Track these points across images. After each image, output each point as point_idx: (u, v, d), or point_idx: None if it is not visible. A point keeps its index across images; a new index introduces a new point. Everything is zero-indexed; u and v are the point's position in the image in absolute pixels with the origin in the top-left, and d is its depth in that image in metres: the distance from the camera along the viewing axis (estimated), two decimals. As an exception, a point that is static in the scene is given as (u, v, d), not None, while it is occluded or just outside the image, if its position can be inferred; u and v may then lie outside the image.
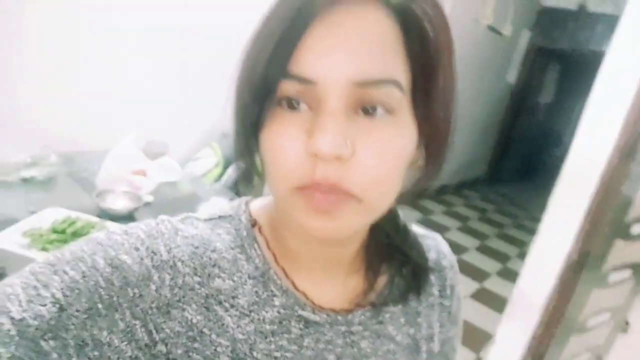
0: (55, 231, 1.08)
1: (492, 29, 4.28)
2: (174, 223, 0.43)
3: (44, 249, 1.02)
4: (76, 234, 1.09)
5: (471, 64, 4.34)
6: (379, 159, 0.36)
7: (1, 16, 1.42)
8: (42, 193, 1.37)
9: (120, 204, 1.35)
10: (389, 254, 0.50)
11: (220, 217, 0.47)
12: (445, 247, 0.57)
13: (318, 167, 0.34)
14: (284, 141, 0.35)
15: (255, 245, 0.45)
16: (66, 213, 1.19)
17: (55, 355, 0.33)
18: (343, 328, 0.46)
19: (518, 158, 6.22)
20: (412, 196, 0.43)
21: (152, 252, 0.39)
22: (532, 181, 6.28)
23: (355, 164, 0.35)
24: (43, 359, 0.33)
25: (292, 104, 0.35)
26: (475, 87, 4.65)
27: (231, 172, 1.96)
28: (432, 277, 0.54)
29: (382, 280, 0.50)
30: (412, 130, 0.38)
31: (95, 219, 1.20)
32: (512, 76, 5.47)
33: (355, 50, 0.34)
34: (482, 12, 4.04)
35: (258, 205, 0.48)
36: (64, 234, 1.08)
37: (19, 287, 0.35)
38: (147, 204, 1.44)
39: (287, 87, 0.34)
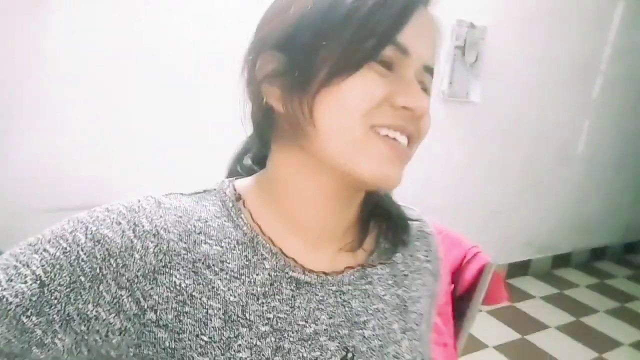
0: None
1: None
2: (157, 197, 0.45)
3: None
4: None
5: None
6: (428, 123, 0.46)
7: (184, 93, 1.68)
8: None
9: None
10: (376, 218, 0.54)
11: (205, 191, 0.49)
12: (424, 216, 0.62)
13: (397, 115, 0.42)
14: (371, 87, 0.41)
15: (242, 215, 0.47)
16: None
17: (39, 332, 0.34)
18: (334, 288, 0.48)
19: None
20: None
21: (134, 224, 0.40)
22: None
23: (422, 121, 0.45)
24: (27, 336, 0.34)
25: (385, 63, 0.42)
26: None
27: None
28: (418, 243, 0.58)
29: (369, 243, 0.53)
30: None
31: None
32: None
33: (432, 43, 0.46)
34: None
35: (242, 183, 0.50)
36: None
37: None
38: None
39: (388, 51, 0.42)
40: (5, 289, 0.34)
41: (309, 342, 0.45)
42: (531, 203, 3.16)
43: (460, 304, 1.50)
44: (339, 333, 0.47)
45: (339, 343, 0.46)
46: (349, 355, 0.47)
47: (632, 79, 3.36)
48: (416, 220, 0.60)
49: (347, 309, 0.48)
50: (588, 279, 3.43)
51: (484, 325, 2.54)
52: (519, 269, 3.28)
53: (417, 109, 0.42)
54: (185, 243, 0.42)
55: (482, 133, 2.71)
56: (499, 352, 2.34)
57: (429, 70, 0.45)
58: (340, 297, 0.48)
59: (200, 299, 0.41)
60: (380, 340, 0.49)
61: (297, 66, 0.42)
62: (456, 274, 1.50)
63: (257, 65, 0.45)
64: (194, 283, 0.41)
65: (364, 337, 0.48)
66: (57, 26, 1.51)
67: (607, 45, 3.11)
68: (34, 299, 0.35)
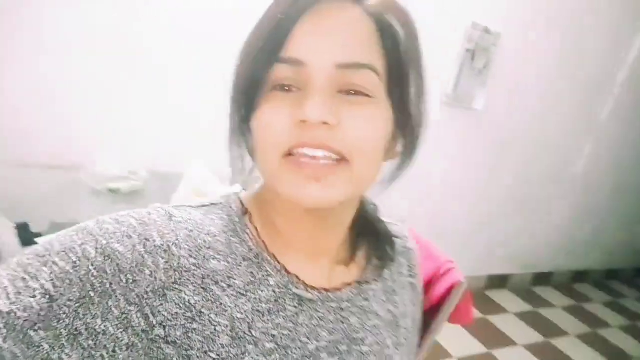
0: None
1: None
2: (167, 209, 0.44)
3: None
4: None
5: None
6: (361, 128, 0.40)
7: (122, 41, 1.61)
8: (124, 205, 1.45)
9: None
10: (365, 234, 0.55)
11: (212, 204, 0.49)
12: (407, 232, 0.63)
13: (306, 132, 0.39)
14: (274, 115, 0.40)
15: (248, 230, 0.47)
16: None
17: (46, 346, 0.34)
18: (334, 305, 0.49)
19: None
20: (390, 183, 0.49)
21: (145, 239, 0.40)
22: None
23: (341, 130, 0.40)
24: (34, 351, 0.33)
25: (283, 87, 0.41)
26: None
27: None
28: (401, 259, 0.59)
29: (361, 259, 0.54)
30: (388, 114, 0.43)
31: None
32: None
33: (338, 38, 0.40)
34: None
35: (248, 195, 0.51)
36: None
37: (6, 279, 0.35)
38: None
39: (280, 71, 0.40)
40: (13, 302, 0.34)
41: (311, 359, 0.45)
42: (518, 218, 3.12)
43: (425, 317, 1.47)
44: (338, 349, 0.48)
45: (338, 359, 0.48)
46: None
47: (643, 106, 3.29)
48: (400, 237, 0.61)
49: (345, 325, 0.49)
50: (565, 301, 3.42)
51: (451, 334, 2.52)
52: (499, 282, 3.26)
53: (309, 119, 0.38)
54: (195, 259, 0.42)
55: (480, 142, 2.65)
56: (463, 364, 2.33)
57: (351, 66, 0.40)
58: (340, 314, 0.49)
59: (208, 316, 0.41)
60: (376, 356, 0.51)
61: (232, 110, 0.45)
62: (426, 288, 1.47)
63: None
64: (202, 299, 0.41)
65: (362, 353, 0.50)
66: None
67: (624, 68, 3.02)
68: (42, 313, 0.34)
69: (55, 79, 1.55)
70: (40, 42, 1.50)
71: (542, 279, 3.54)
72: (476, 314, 2.84)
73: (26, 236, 1.28)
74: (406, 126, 0.46)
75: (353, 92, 0.41)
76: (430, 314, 1.46)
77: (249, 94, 0.41)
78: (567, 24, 2.60)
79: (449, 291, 1.40)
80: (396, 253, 0.58)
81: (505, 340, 2.64)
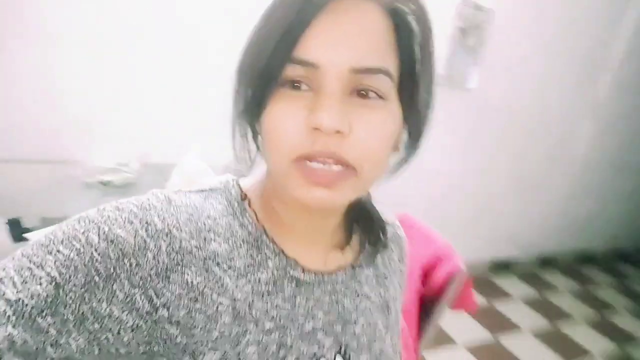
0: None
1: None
2: (167, 194, 0.45)
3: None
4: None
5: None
6: (372, 136, 0.40)
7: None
8: (116, 198, 1.42)
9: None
10: (359, 220, 0.56)
11: (210, 189, 0.49)
12: (398, 221, 0.65)
13: (318, 140, 0.39)
14: (286, 117, 0.39)
15: (247, 214, 0.48)
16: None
17: (53, 331, 0.35)
18: (329, 287, 0.51)
19: None
20: (393, 174, 0.49)
21: (146, 222, 0.40)
22: None
23: (352, 138, 0.40)
24: (42, 336, 0.34)
25: (295, 85, 0.40)
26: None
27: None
28: (393, 246, 0.62)
29: (355, 243, 0.56)
30: (398, 114, 0.43)
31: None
32: None
33: (354, 41, 0.39)
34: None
35: (247, 182, 0.51)
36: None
37: (12, 269, 0.36)
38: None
39: (292, 70, 0.39)
40: (20, 290, 0.35)
41: (308, 338, 0.48)
42: (519, 200, 3.07)
43: (426, 304, 1.44)
44: (333, 329, 0.50)
45: (333, 339, 0.50)
46: (343, 349, 0.50)
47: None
48: (391, 223, 0.62)
49: (339, 306, 0.51)
50: (571, 284, 3.38)
51: (456, 320, 2.49)
52: (503, 266, 3.23)
53: (322, 126, 0.38)
54: (196, 241, 0.43)
55: (476, 123, 2.59)
56: (467, 351, 2.31)
57: (365, 70, 0.39)
58: (334, 296, 0.51)
59: (210, 296, 0.42)
60: (368, 337, 0.53)
61: (239, 101, 0.44)
62: (425, 273, 1.44)
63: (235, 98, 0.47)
64: (204, 280, 0.42)
65: (354, 333, 0.52)
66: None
67: (620, 43, 2.95)
68: (49, 300, 0.35)
69: (44, 73, 1.50)
70: (32, 34, 1.45)
71: (547, 261, 3.51)
72: (481, 299, 2.82)
73: (18, 232, 1.26)
74: (412, 121, 0.46)
75: (365, 93, 0.40)
76: (431, 301, 1.44)
77: (257, 88, 0.41)
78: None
79: (449, 278, 1.38)
80: (388, 239, 0.59)
81: (510, 326, 2.61)
